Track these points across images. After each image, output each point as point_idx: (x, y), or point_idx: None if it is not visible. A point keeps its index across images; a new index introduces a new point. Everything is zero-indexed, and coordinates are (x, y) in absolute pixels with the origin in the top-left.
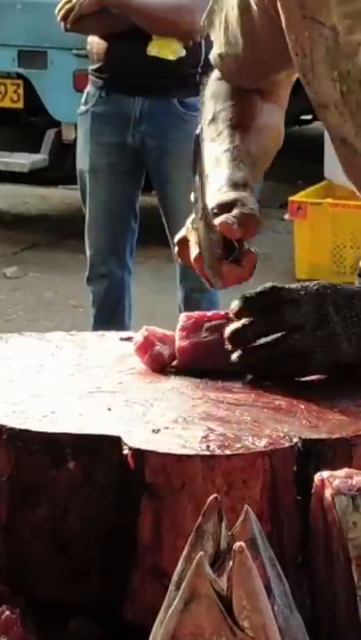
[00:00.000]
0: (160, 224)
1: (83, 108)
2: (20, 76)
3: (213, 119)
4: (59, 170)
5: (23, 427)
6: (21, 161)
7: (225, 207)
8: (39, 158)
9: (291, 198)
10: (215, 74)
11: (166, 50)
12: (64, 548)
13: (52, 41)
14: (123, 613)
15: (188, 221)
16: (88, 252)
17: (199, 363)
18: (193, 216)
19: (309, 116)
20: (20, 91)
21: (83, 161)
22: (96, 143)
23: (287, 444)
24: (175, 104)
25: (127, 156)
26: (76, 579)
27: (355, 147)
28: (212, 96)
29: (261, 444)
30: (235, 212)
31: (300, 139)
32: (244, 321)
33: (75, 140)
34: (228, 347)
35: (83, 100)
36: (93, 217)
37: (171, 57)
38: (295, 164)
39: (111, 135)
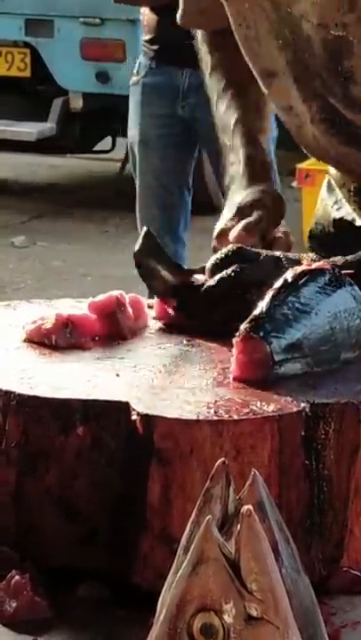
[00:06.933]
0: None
1: (134, 78)
2: (26, 44)
3: (213, 74)
4: (66, 139)
5: (32, 393)
6: (29, 130)
7: (243, 213)
8: (47, 127)
9: (299, 166)
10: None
11: None
12: (73, 513)
13: (59, 9)
14: (132, 578)
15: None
16: (140, 227)
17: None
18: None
19: None
20: (27, 59)
21: (133, 132)
22: (147, 114)
23: (295, 409)
24: None
25: (178, 128)
26: (85, 544)
27: (301, 113)
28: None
29: (269, 408)
30: (249, 218)
31: None
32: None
33: (82, 108)
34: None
35: (135, 71)
36: (144, 189)
37: None
38: None
39: (161, 107)
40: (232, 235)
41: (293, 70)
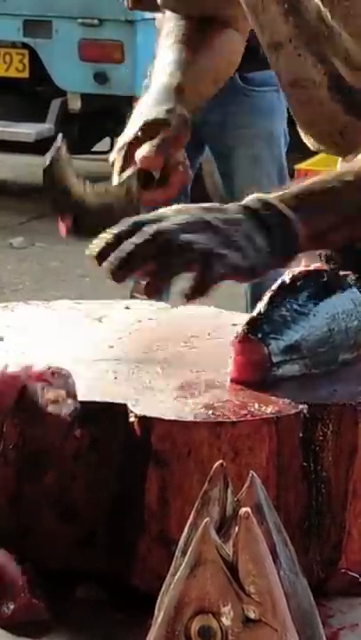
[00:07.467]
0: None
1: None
2: (25, 45)
3: (167, 34)
4: (65, 139)
5: None
6: (27, 131)
7: (148, 131)
8: (45, 128)
9: (297, 166)
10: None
11: None
12: (71, 515)
13: (58, 10)
14: (130, 580)
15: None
16: None
17: None
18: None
19: None
20: (26, 60)
21: None
22: None
23: (293, 411)
24: (236, 78)
25: None
26: (83, 545)
27: (312, 80)
28: (168, 19)
29: (267, 410)
30: (155, 140)
31: None
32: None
33: (80, 109)
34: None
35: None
36: None
37: None
38: None
39: None
40: (140, 152)
41: (301, 35)
